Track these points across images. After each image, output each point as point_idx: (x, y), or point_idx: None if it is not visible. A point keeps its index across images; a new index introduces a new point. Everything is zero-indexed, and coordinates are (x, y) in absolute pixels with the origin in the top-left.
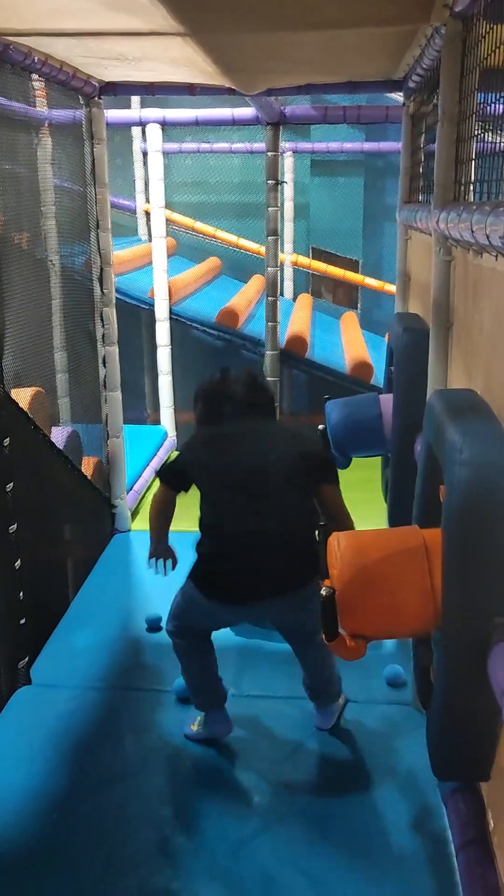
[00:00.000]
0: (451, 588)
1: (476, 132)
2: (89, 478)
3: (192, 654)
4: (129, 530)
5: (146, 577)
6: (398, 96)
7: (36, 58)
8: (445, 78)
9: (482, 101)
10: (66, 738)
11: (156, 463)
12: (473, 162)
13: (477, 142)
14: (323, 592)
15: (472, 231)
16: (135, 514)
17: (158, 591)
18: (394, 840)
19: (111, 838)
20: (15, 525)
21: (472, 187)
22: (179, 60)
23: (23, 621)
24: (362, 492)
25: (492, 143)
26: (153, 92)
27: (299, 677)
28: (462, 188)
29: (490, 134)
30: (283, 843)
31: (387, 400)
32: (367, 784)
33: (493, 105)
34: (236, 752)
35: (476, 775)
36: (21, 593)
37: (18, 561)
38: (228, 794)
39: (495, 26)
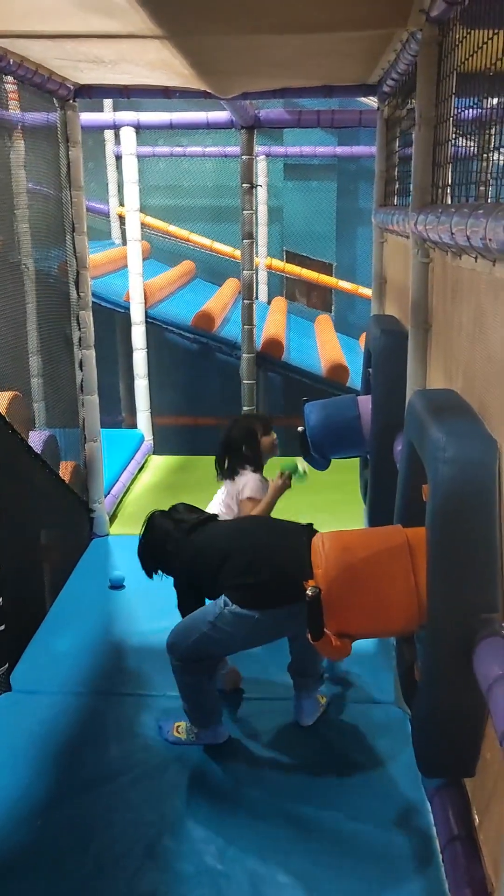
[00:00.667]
0: (436, 585)
1: (452, 136)
2: (67, 482)
3: (199, 678)
4: (108, 534)
5: (125, 581)
6: (372, 101)
7: (11, 60)
8: (422, 82)
9: (458, 105)
10: (47, 743)
11: (133, 467)
12: (450, 165)
13: (453, 145)
14: (308, 592)
15: (452, 233)
16: (113, 518)
17: (137, 595)
18: (380, 837)
19: (97, 842)
20: None
21: (448, 190)
22: (156, 63)
23: (1, 627)
24: (340, 493)
25: (467, 146)
26: (128, 95)
27: (281, 677)
28: (439, 191)
29: (465, 138)
30: (270, 842)
31: (365, 401)
32: (352, 783)
33: (467, 110)
34: (220, 752)
35: (461, 772)
36: (0, 599)
37: None
38: (213, 795)
39: (471, 32)
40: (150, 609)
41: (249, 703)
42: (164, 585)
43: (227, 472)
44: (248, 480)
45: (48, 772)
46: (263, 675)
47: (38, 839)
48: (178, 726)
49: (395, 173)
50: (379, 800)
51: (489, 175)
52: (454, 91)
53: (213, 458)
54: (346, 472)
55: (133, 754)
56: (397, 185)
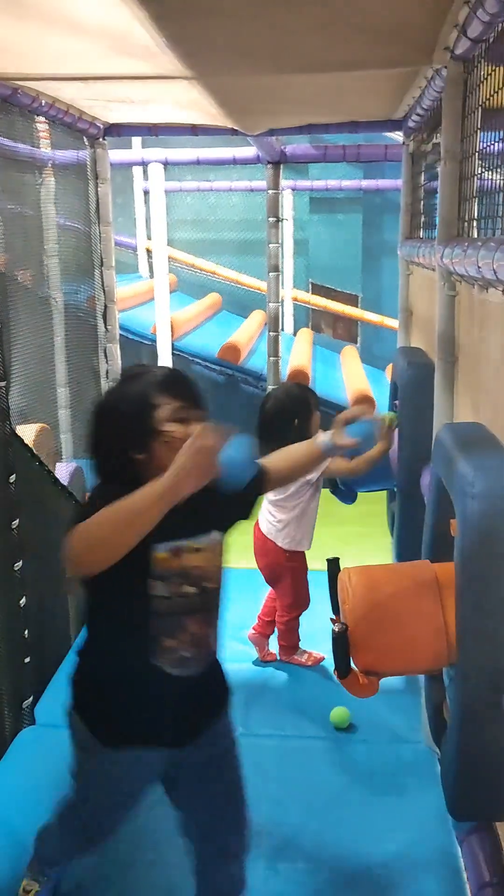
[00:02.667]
0: (465, 623)
1: (478, 171)
2: None
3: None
4: None
5: None
6: (397, 135)
7: (43, 101)
8: (447, 118)
9: (483, 140)
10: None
11: None
12: (476, 199)
13: (479, 179)
14: (336, 628)
15: (479, 266)
16: None
17: None
18: (408, 883)
19: (119, 881)
20: (20, 562)
21: (474, 224)
22: (185, 103)
23: (27, 660)
24: (367, 526)
25: (492, 180)
26: (157, 133)
27: (308, 715)
28: (465, 224)
29: (491, 172)
30: (293, 886)
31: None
32: (379, 824)
33: (494, 144)
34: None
35: (493, 815)
36: (25, 631)
37: (24, 598)
38: None
39: (497, 69)
40: None
41: (271, 741)
42: None
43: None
44: None
45: None
46: (288, 713)
47: (61, 876)
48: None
49: (421, 206)
50: (407, 843)
51: None
52: (479, 126)
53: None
54: (373, 503)
55: (157, 791)
56: (423, 219)
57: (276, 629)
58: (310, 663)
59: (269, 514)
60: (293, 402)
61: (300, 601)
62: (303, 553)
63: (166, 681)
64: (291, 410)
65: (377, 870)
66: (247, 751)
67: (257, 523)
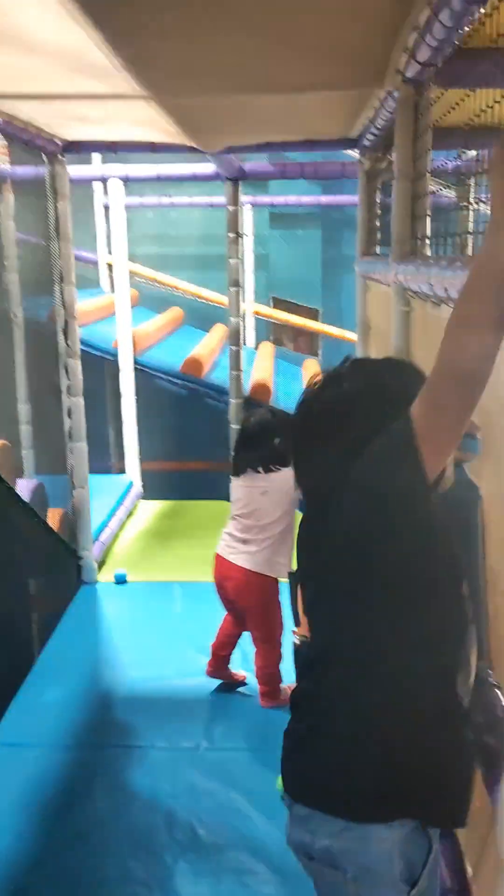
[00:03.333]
0: None
1: (431, 190)
2: (55, 530)
3: None
4: (96, 582)
5: (114, 629)
6: (354, 153)
7: (0, 119)
8: (399, 139)
9: (436, 158)
10: (34, 798)
11: (122, 513)
12: (429, 217)
13: (433, 194)
14: (295, 641)
15: (431, 284)
16: (101, 564)
17: (126, 644)
18: None
19: None
20: None
21: (427, 241)
22: (142, 121)
23: None
24: None
25: (445, 197)
26: (115, 150)
27: (273, 729)
28: (418, 242)
29: (443, 189)
30: None
31: None
32: None
33: (446, 162)
34: (210, 807)
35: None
36: None
37: None
38: (203, 850)
39: (445, 91)
40: (139, 657)
41: (239, 755)
42: (152, 633)
43: (262, 463)
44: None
45: (35, 826)
46: (254, 726)
47: (24, 894)
48: None
49: (378, 223)
50: None
51: (468, 224)
52: (431, 147)
53: (204, 502)
54: None
55: (122, 808)
56: (379, 235)
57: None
58: None
59: (247, 544)
60: (277, 422)
61: (280, 635)
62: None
63: (467, 722)
64: (274, 429)
65: None
66: (212, 764)
67: (230, 562)
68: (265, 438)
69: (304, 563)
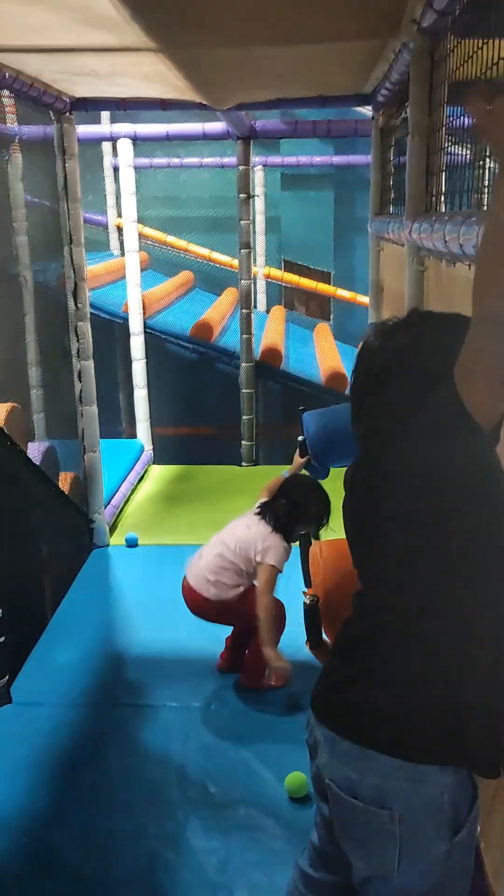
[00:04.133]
0: None
1: (445, 145)
2: (66, 493)
3: None
4: (108, 545)
5: (125, 592)
6: (367, 110)
7: (7, 74)
8: (414, 92)
9: (451, 114)
10: (48, 755)
11: (133, 477)
12: (444, 174)
13: (446, 154)
14: (307, 601)
15: (445, 241)
16: (113, 528)
17: (137, 606)
18: None
19: (97, 853)
20: None
21: (442, 198)
22: (152, 76)
23: (2, 639)
24: (338, 500)
25: (460, 155)
26: (125, 107)
27: (286, 693)
28: (433, 199)
29: (459, 146)
30: (272, 855)
31: None
32: None
33: (461, 118)
34: (221, 765)
35: None
36: (0, 611)
37: None
38: (214, 807)
39: (462, 41)
40: (150, 619)
41: (253, 716)
42: (163, 595)
43: (275, 520)
44: (277, 545)
45: (49, 783)
46: (270, 690)
47: (38, 850)
48: None
49: (391, 182)
50: None
51: (482, 182)
52: (447, 100)
53: (214, 466)
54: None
55: (134, 765)
56: (392, 194)
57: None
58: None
59: (222, 581)
60: (306, 498)
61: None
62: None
63: None
64: (300, 504)
65: None
66: (224, 722)
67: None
68: (293, 506)
69: (357, 506)
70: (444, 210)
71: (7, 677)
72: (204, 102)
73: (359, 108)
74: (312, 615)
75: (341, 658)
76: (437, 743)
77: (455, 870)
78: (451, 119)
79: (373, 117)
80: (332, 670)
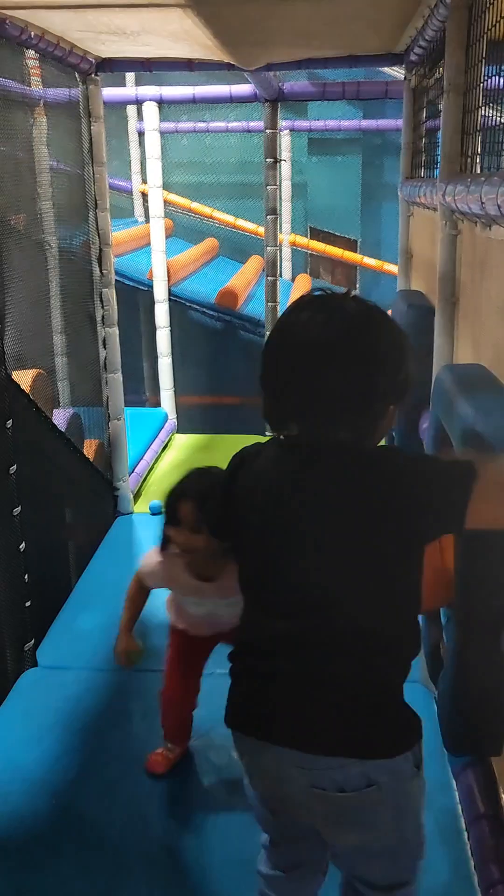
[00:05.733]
0: (464, 563)
1: (481, 104)
2: (91, 460)
3: None
4: (132, 513)
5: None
6: (398, 71)
7: (32, 33)
8: (451, 48)
9: (487, 73)
10: (73, 719)
11: (157, 445)
12: (479, 134)
13: (482, 116)
14: None
15: (483, 203)
16: (137, 496)
17: None
18: None
19: (122, 815)
20: (19, 507)
21: (477, 160)
22: (179, 34)
23: (28, 603)
24: None
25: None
26: (150, 68)
27: None
28: (468, 160)
29: (494, 108)
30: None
31: None
32: None
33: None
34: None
35: (488, 750)
36: (26, 576)
37: (23, 543)
38: (238, 772)
39: None
40: None
41: None
42: None
43: None
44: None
45: (72, 747)
46: None
47: (62, 812)
48: None
49: (423, 145)
50: None
51: None
52: (484, 57)
53: (238, 436)
54: None
55: (157, 729)
56: (424, 157)
57: None
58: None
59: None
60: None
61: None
62: None
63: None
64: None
65: None
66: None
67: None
68: None
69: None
70: (479, 171)
71: (33, 641)
72: (231, 62)
73: (388, 70)
74: None
75: (265, 655)
76: (396, 734)
77: (420, 793)
78: (487, 78)
79: (405, 77)
80: (265, 672)
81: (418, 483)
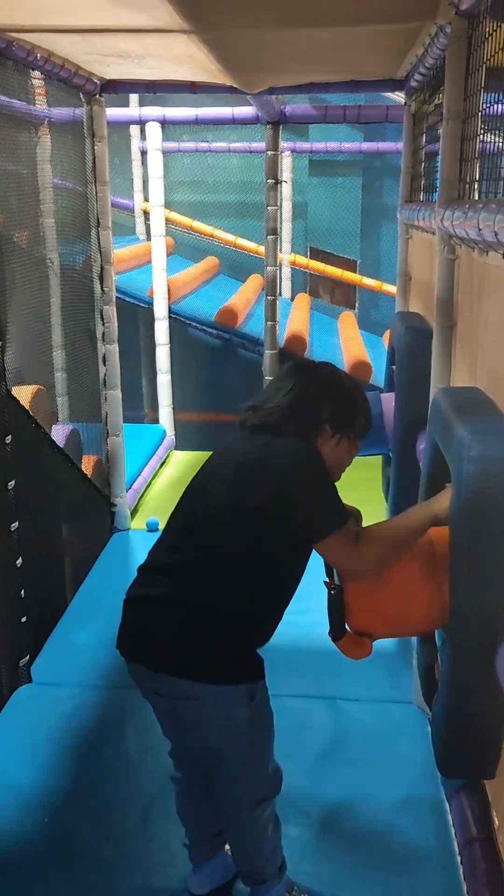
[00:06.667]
0: (459, 586)
1: (480, 132)
2: (89, 476)
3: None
4: (129, 529)
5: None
6: (398, 96)
7: (38, 55)
8: (450, 76)
9: (487, 101)
10: (66, 736)
11: (154, 462)
12: (478, 161)
13: (481, 142)
14: (330, 592)
15: (479, 229)
16: (134, 512)
17: None
18: (397, 838)
19: (114, 835)
20: (17, 523)
21: (476, 186)
22: (183, 58)
23: (24, 619)
24: (362, 490)
25: (495, 142)
26: (154, 90)
27: (298, 672)
28: (466, 186)
29: (493, 134)
30: (285, 843)
31: (388, 398)
32: (370, 782)
33: (496, 105)
34: None
35: (481, 773)
36: (22, 591)
37: (20, 559)
38: None
39: (501, 25)
40: None
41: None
42: None
43: None
44: None
45: (66, 764)
46: (277, 673)
47: (54, 831)
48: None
49: (422, 169)
50: (397, 800)
51: None
52: (483, 86)
53: None
54: (368, 469)
55: (151, 748)
56: (424, 181)
57: None
58: None
59: None
60: None
61: None
62: None
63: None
64: None
65: (368, 825)
66: None
67: None
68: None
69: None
70: (477, 198)
71: (28, 657)
72: (234, 86)
73: (389, 94)
74: (336, 606)
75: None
76: (227, 666)
77: (257, 725)
78: (487, 105)
79: (405, 103)
80: (143, 595)
81: (295, 488)
